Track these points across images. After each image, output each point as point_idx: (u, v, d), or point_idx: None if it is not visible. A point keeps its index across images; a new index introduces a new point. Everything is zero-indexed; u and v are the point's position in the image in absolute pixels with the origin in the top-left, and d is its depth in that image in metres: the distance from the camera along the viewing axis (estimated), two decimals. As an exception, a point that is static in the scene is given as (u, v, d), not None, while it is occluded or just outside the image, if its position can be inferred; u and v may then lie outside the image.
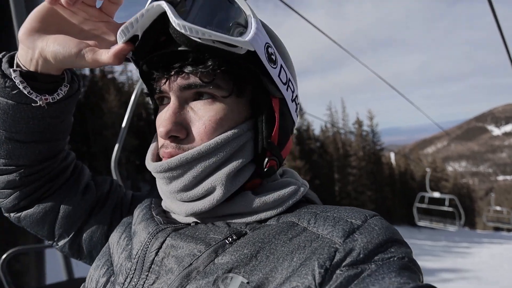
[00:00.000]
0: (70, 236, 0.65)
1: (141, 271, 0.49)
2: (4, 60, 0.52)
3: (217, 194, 0.49)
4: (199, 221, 0.54)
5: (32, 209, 0.63)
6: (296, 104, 0.57)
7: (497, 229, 45.03)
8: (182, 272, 0.44)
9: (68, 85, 0.55)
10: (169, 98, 0.51)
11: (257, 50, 0.46)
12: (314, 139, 41.61)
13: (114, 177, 1.85)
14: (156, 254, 0.49)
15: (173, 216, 0.58)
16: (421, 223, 10.76)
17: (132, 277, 0.49)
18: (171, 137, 0.50)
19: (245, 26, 0.45)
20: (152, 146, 0.58)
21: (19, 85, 0.50)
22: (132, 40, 0.48)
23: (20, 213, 0.63)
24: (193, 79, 0.47)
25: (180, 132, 0.49)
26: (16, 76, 0.50)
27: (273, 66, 0.49)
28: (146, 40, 0.47)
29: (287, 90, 0.53)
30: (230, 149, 0.49)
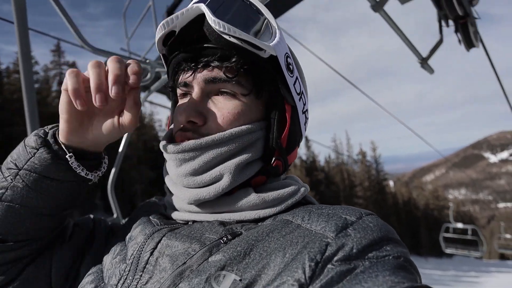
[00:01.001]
0: (70, 283, 0.60)
1: (135, 272, 0.49)
2: (51, 141, 0.53)
3: (224, 182, 0.50)
4: (196, 220, 0.55)
5: (23, 275, 0.57)
6: (306, 118, 0.61)
7: (502, 257, 45.40)
8: (175, 270, 0.45)
9: (106, 157, 0.59)
10: (191, 94, 0.55)
11: (279, 56, 0.50)
12: (320, 170, 43.07)
13: (111, 200, 1.85)
14: (151, 254, 0.50)
15: (172, 215, 0.58)
16: (448, 251, 11.93)
17: (126, 278, 0.49)
18: (189, 122, 0.53)
19: (271, 35, 0.50)
20: (168, 133, 0.60)
21: (76, 168, 0.52)
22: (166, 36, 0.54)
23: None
24: (218, 73, 0.51)
25: (199, 119, 0.52)
26: (73, 162, 0.52)
27: (290, 75, 0.53)
28: (181, 36, 0.52)
29: (299, 100, 0.57)
30: (242, 142, 0.52)
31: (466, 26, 3.39)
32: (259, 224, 0.51)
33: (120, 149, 2.01)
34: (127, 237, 0.58)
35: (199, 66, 0.52)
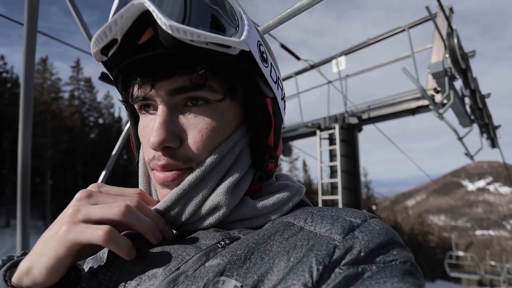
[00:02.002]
0: None
1: (119, 278, 0.43)
2: None
3: (222, 211, 0.46)
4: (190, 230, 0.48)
5: None
6: (284, 102, 0.55)
7: (480, 284, 47.94)
8: (168, 276, 0.40)
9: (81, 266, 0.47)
10: (154, 106, 0.46)
11: (252, 49, 0.43)
12: (315, 193, 45.23)
13: None
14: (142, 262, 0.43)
15: None
16: (452, 274, 13.96)
17: (106, 286, 0.42)
18: (163, 148, 0.44)
19: (237, 25, 0.42)
20: (141, 175, 0.53)
21: None
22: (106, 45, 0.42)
23: None
24: (184, 83, 0.42)
25: (173, 142, 0.44)
26: None
27: (265, 65, 0.47)
28: (126, 44, 0.41)
29: (277, 88, 0.51)
30: (226, 163, 0.46)
31: (488, 130, 5.61)
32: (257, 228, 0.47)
33: (114, 152, 1.99)
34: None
35: (158, 78, 0.42)
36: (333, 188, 5.72)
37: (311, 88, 6.70)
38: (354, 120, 5.58)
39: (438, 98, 4.33)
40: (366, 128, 6.05)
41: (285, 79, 6.93)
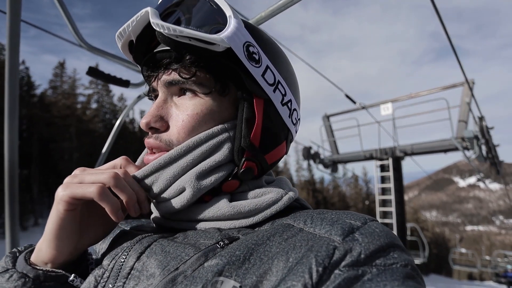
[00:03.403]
0: None
1: (117, 278, 0.44)
2: (49, 269, 0.48)
3: (187, 193, 0.48)
4: (187, 228, 0.51)
5: None
6: (289, 109, 0.55)
7: (470, 277, 50.91)
8: (167, 276, 0.40)
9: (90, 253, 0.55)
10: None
11: (233, 47, 0.46)
12: (319, 191, 47.66)
13: None
14: (138, 258, 0.45)
15: (158, 226, 0.57)
16: (455, 267, 15.83)
17: (105, 285, 0.44)
18: (151, 129, 0.51)
19: (224, 26, 0.47)
20: (145, 149, 0.58)
21: (78, 284, 0.47)
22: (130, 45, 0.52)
23: None
24: (175, 76, 0.49)
25: (159, 124, 0.50)
26: (75, 280, 0.47)
27: (255, 65, 0.49)
28: (141, 44, 0.50)
29: (274, 91, 0.52)
30: (202, 150, 0.49)
31: (495, 164, 7.82)
32: (256, 229, 0.49)
33: (104, 150, 2.05)
34: (99, 248, 0.56)
35: (160, 70, 0.50)
36: (385, 202, 7.92)
37: (363, 124, 8.89)
38: (401, 154, 7.78)
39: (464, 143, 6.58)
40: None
41: (341, 113, 9.17)
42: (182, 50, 0.46)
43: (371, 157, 8.17)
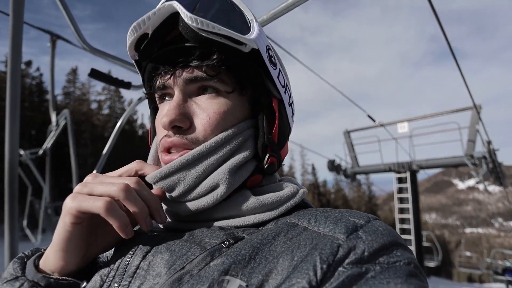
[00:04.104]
0: None
1: (123, 277, 0.44)
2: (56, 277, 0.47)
3: (221, 189, 0.48)
4: (192, 228, 0.51)
5: None
6: (292, 110, 0.59)
7: (470, 279, 51.77)
8: (173, 276, 0.40)
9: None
10: (171, 95, 0.52)
11: (260, 49, 0.48)
12: (323, 195, 48.77)
13: None
14: (143, 257, 0.45)
15: (164, 226, 0.56)
16: (461, 269, 16.55)
17: (110, 284, 0.44)
18: (174, 127, 0.49)
19: (249, 28, 0.48)
20: (152, 151, 0.56)
21: None
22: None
23: None
24: (198, 73, 0.48)
25: (184, 122, 0.49)
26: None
27: (273, 68, 0.52)
28: (156, 38, 0.48)
29: (285, 93, 0.55)
30: (231, 147, 0.49)
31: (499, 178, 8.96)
32: (260, 228, 0.49)
33: (104, 151, 2.01)
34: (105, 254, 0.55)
35: (178, 67, 0.49)
36: (403, 210, 9.06)
37: (381, 140, 10.02)
38: (417, 168, 8.92)
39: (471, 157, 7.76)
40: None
41: (361, 129, 10.31)
42: (212, 47, 0.47)
43: (389, 170, 9.29)
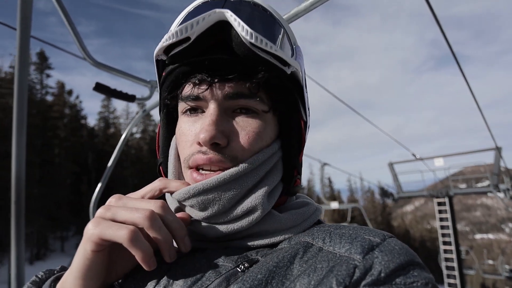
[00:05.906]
0: None
1: None
2: None
3: (257, 214, 0.47)
4: (204, 247, 0.50)
5: None
6: (307, 132, 0.59)
7: (483, 286, 53.13)
8: None
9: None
10: (201, 109, 0.50)
11: (302, 72, 0.51)
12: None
13: (91, 217, 1.73)
14: (157, 283, 0.45)
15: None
16: (485, 276, 18.51)
17: None
18: (212, 144, 0.47)
19: (293, 50, 0.50)
20: (172, 166, 0.54)
21: None
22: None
23: None
24: (240, 89, 0.47)
25: (222, 140, 0.47)
26: None
27: (306, 92, 0.53)
28: (198, 43, 0.46)
29: (308, 115, 0.56)
30: (265, 168, 0.49)
31: None
32: (274, 248, 0.48)
33: (109, 164, 1.96)
34: None
35: (216, 79, 0.46)
36: (443, 228, 11.69)
37: (420, 171, 12.75)
38: (452, 194, 11.60)
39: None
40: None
41: (403, 162, 13.12)
42: (259, 65, 0.46)
43: (430, 196, 11.95)
